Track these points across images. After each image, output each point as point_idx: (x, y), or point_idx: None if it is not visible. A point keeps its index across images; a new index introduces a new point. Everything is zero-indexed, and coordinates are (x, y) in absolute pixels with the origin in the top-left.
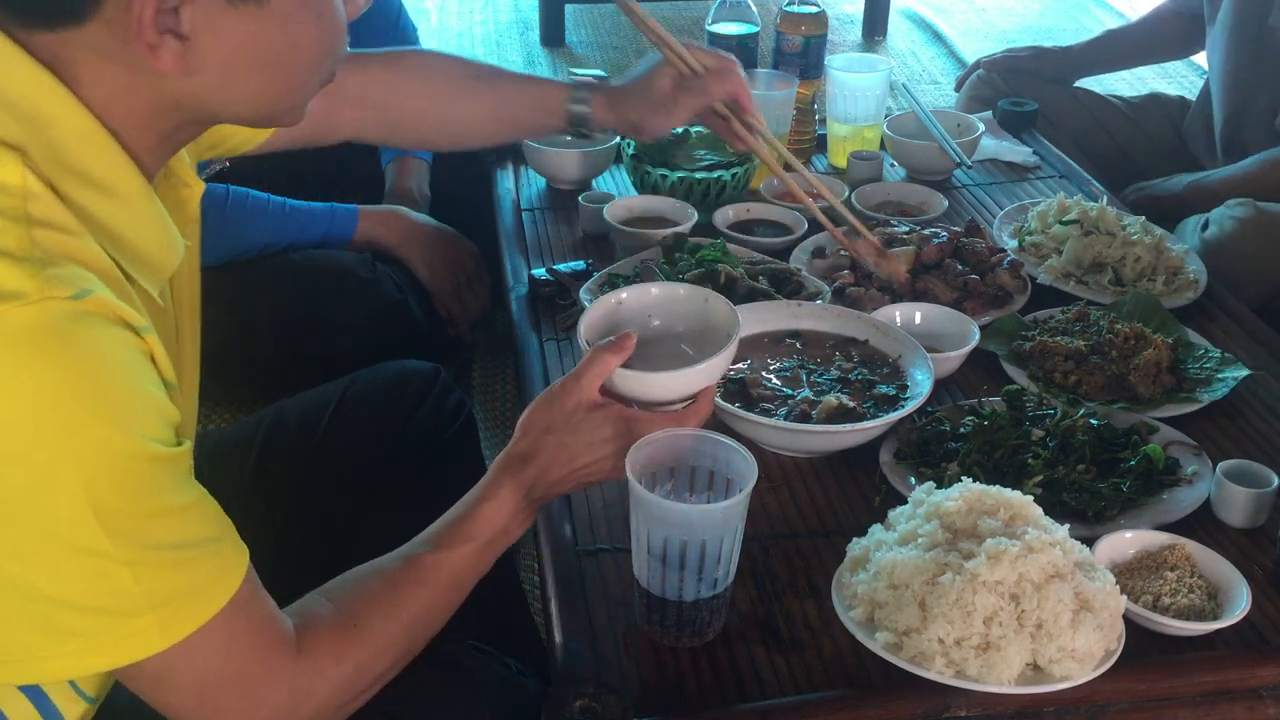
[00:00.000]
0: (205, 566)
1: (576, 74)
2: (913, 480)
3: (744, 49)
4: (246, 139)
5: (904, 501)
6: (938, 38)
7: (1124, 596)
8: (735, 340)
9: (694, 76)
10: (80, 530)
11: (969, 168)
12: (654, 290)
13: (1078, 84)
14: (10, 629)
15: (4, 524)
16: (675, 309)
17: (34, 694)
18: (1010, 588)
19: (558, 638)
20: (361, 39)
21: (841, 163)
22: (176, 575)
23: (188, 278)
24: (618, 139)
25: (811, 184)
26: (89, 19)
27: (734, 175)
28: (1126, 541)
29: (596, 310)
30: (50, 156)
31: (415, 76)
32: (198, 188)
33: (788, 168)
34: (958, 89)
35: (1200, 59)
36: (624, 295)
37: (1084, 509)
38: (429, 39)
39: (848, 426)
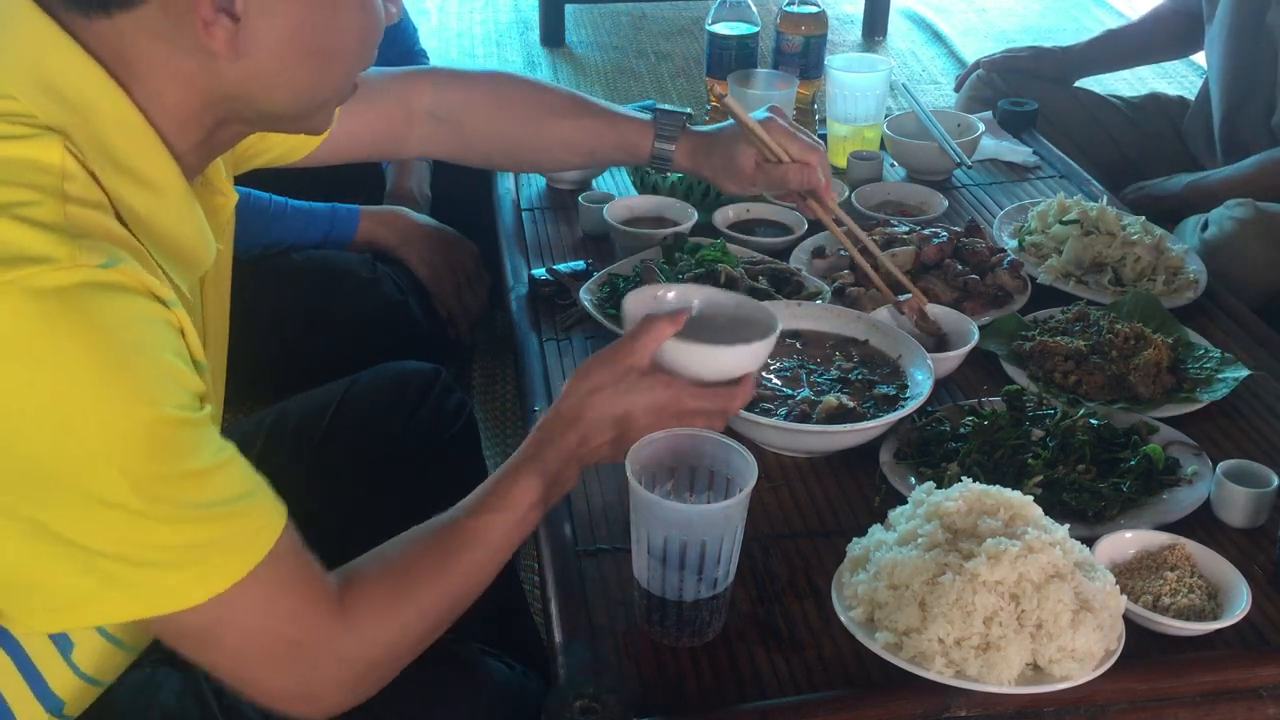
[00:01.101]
0: (242, 521)
1: (660, 106)
2: (913, 480)
3: (744, 49)
4: (289, 151)
5: (904, 501)
6: (938, 38)
7: (1124, 596)
8: (778, 331)
9: (776, 164)
10: (112, 489)
11: (969, 168)
12: (697, 290)
13: (1078, 84)
14: (53, 576)
15: (38, 481)
16: (716, 306)
17: (29, 672)
18: (1010, 588)
19: (558, 638)
20: None
21: (841, 163)
22: (214, 529)
23: (217, 284)
24: None
25: (881, 263)
26: (141, 4)
27: None
28: (1126, 541)
29: (637, 298)
30: (93, 145)
31: (495, 100)
32: (231, 197)
33: (863, 250)
34: (958, 89)
35: (1200, 59)
36: (670, 294)
37: (1084, 509)
38: (429, 39)
39: (848, 426)
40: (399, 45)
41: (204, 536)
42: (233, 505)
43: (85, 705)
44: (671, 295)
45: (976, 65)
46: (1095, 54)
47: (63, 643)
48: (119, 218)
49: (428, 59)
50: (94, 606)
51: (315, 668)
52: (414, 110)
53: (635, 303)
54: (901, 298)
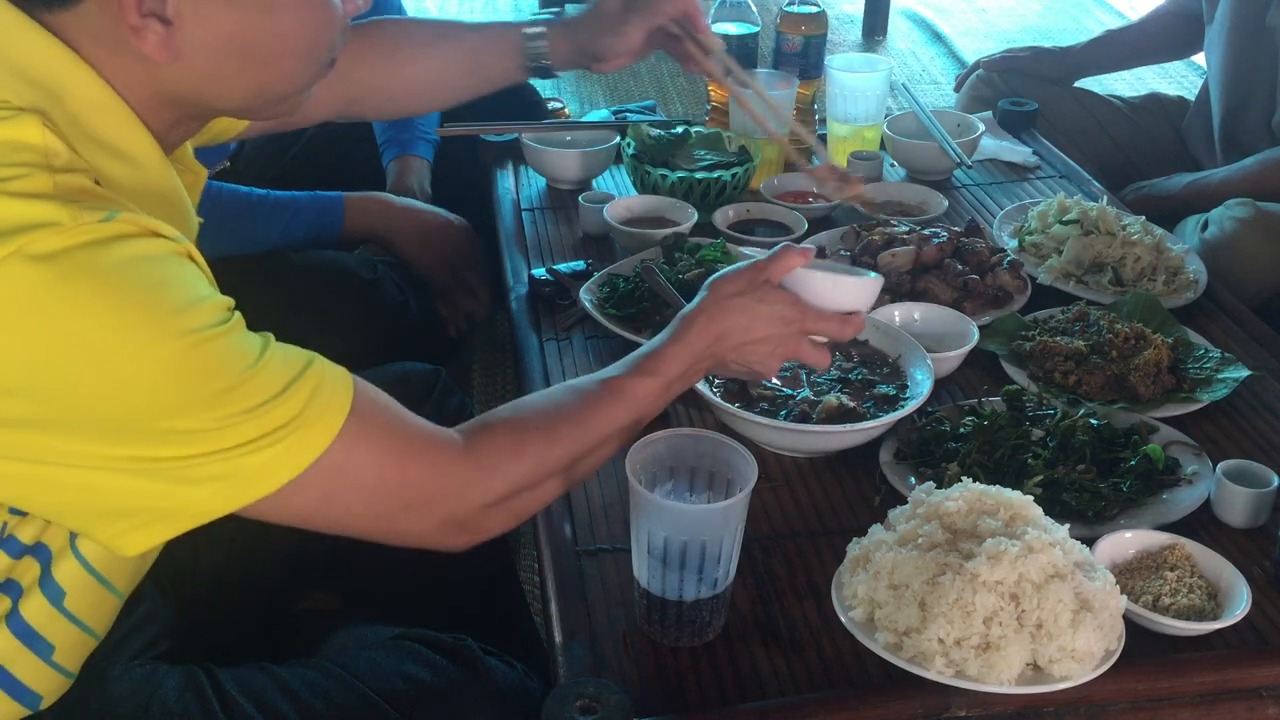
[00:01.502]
0: (310, 392)
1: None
2: (913, 480)
3: (744, 49)
4: (227, 126)
5: (904, 501)
6: (938, 38)
7: (1124, 596)
8: (882, 280)
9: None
10: (180, 417)
11: (969, 168)
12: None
13: (1077, 84)
14: (149, 495)
15: (109, 427)
16: (828, 265)
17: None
18: (1010, 588)
19: (558, 638)
20: None
21: (842, 163)
22: (287, 409)
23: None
24: (618, 138)
25: (771, 106)
26: (74, 3)
27: (734, 175)
28: (1126, 541)
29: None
30: (69, 124)
31: (380, 45)
32: (201, 174)
33: (762, 104)
34: (958, 89)
35: (1200, 59)
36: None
37: (1084, 509)
38: None
39: (848, 426)
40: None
41: (281, 418)
42: (295, 384)
43: (82, 656)
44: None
45: (977, 65)
46: (1095, 55)
47: (53, 590)
48: (105, 188)
49: None
50: (195, 507)
51: (459, 504)
52: None
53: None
54: (814, 164)
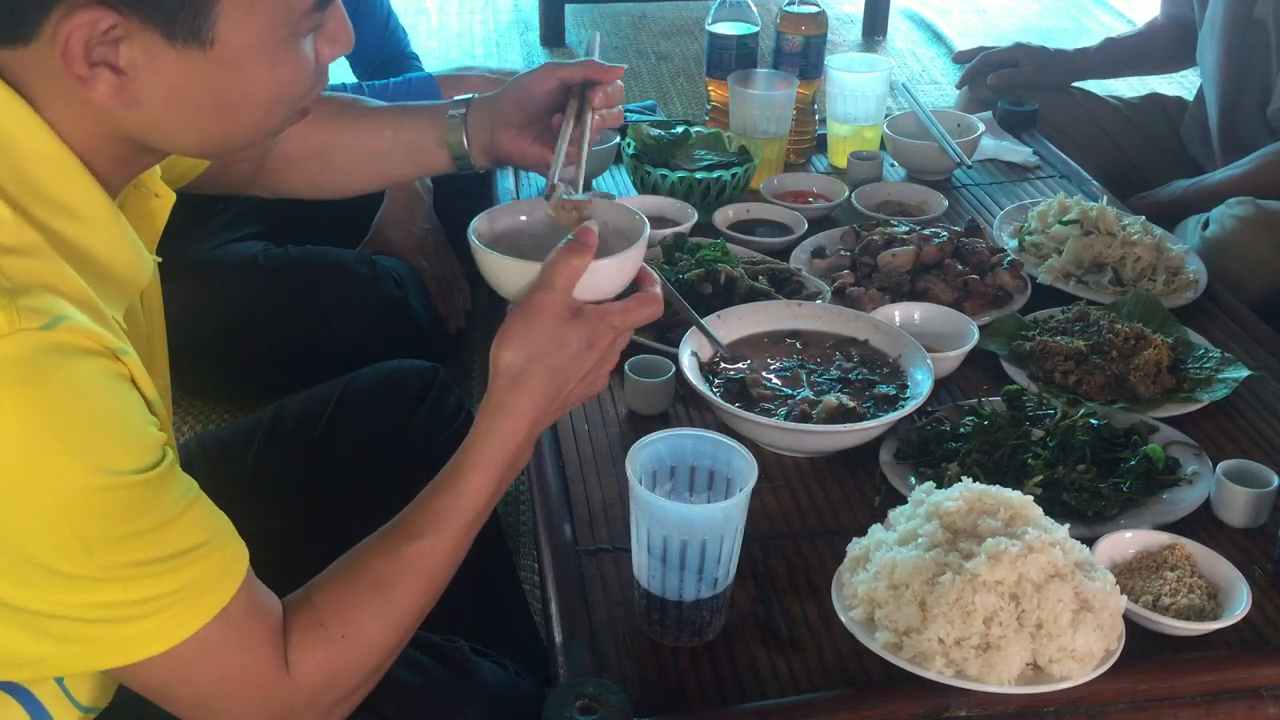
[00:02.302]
0: (201, 570)
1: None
2: (913, 480)
3: (744, 49)
4: (190, 168)
5: (904, 501)
6: (938, 38)
7: (1124, 596)
8: (647, 231)
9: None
10: (65, 557)
11: (969, 168)
12: (528, 204)
13: (1077, 84)
14: (7, 636)
15: (7, 559)
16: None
17: (29, 703)
18: (1010, 588)
19: (558, 638)
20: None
21: (841, 163)
22: (170, 581)
23: (151, 293)
24: (618, 138)
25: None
26: (32, 41)
27: (734, 175)
28: (1126, 541)
29: (494, 224)
30: (16, 180)
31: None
32: (168, 199)
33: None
34: (962, 83)
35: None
36: (522, 217)
37: (1084, 509)
38: (429, 39)
39: (848, 426)
40: (388, 49)
41: (164, 588)
42: (191, 554)
43: None
44: (523, 217)
45: (981, 50)
46: (1097, 61)
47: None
48: (54, 253)
49: (419, 62)
50: (52, 663)
51: (273, 713)
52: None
53: (497, 228)
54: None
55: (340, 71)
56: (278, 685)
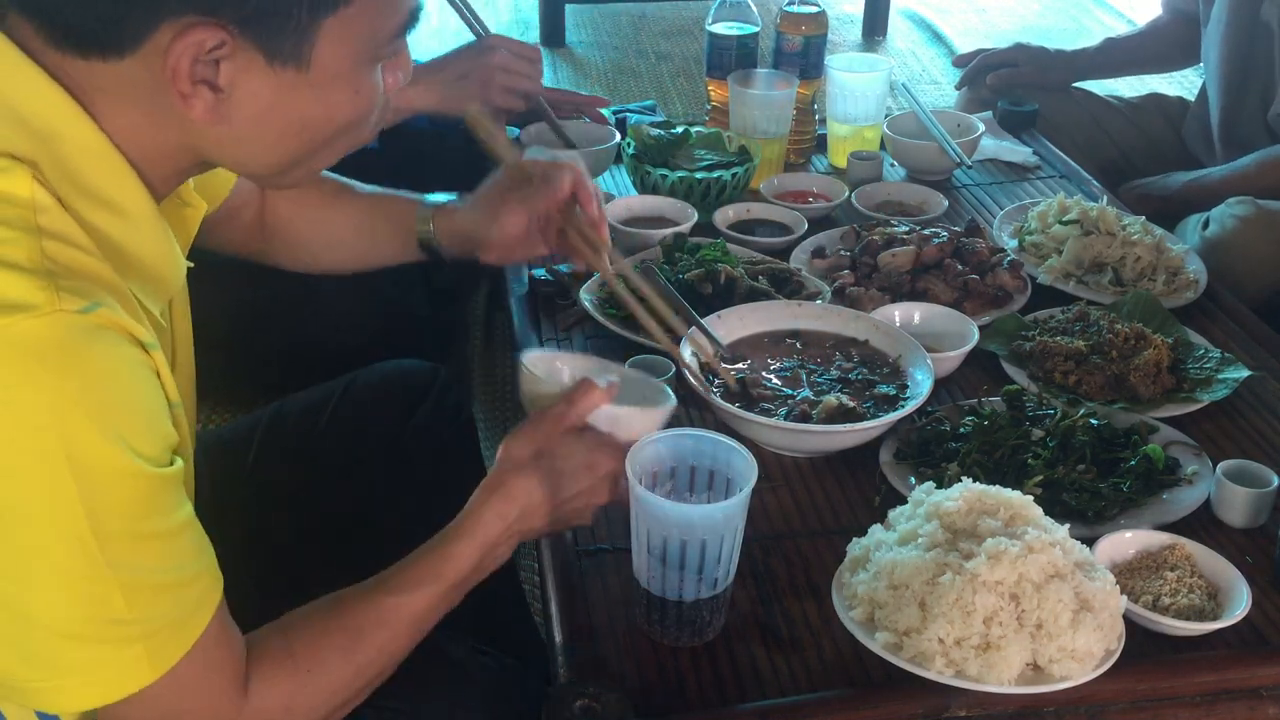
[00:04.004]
0: (190, 595)
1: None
2: (913, 480)
3: (744, 49)
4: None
5: (904, 501)
6: (938, 38)
7: (1124, 596)
8: (671, 404)
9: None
10: (76, 550)
11: (969, 168)
12: (586, 360)
13: (1077, 84)
14: (8, 657)
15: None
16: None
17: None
18: (1010, 588)
19: (558, 638)
20: None
21: (841, 163)
22: (165, 602)
23: (182, 298)
24: (618, 139)
25: (660, 313)
26: (127, 56)
27: (734, 175)
28: (1126, 541)
29: (539, 366)
30: (61, 173)
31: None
32: (200, 208)
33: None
34: (959, 87)
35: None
36: (565, 368)
37: (1084, 509)
38: (430, 39)
39: (848, 426)
40: None
41: (159, 609)
42: (185, 574)
43: None
44: (566, 371)
45: (980, 53)
46: (1098, 61)
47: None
48: (92, 245)
49: None
50: (49, 695)
51: None
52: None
53: (541, 370)
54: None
55: None
56: (234, 714)
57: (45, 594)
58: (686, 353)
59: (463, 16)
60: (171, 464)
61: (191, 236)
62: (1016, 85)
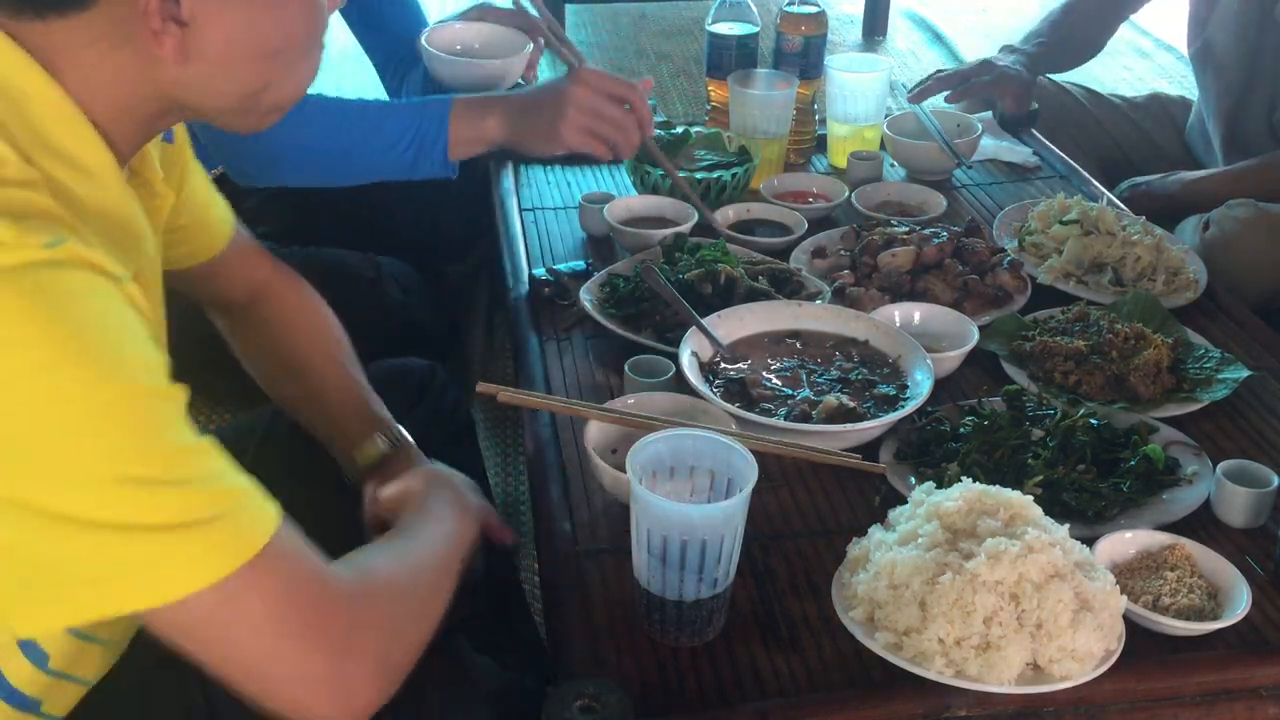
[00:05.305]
0: (242, 501)
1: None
2: (913, 480)
3: (744, 49)
4: (193, 252)
5: (904, 501)
6: (938, 38)
7: (1124, 596)
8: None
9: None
10: (107, 463)
11: (969, 168)
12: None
13: (1078, 84)
14: (50, 565)
15: (30, 467)
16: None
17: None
18: (1010, 588)
19: (558, 638)
20: (372, 7)
21: (841, 163)
22: (219, 502)
23: (152, 287)
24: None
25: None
26: (91, 7)
27: (734, 175)
28: (1126, 541)
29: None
30: (24, 129)
31: (288, 313)
32: (168, 198)
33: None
34: (912, 99)
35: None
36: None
37: (1084, 509)
38: None
39: (848, 426)
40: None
41: (210, 509)
42: (229, 483)
43: (70, 703)
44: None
45: (939, 73)
46: (1055, 57)
47: (27, 644)
48: (55, 196)
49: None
50: (96, 592)
51: (346, 658)
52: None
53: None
54: None
55: (365, 76)
56: (349, 616)
57: (86, 499)
58: (686, 353)
59: (550, 44)
60: (171, 383)
61: (159, 226)
62: (976, 96)
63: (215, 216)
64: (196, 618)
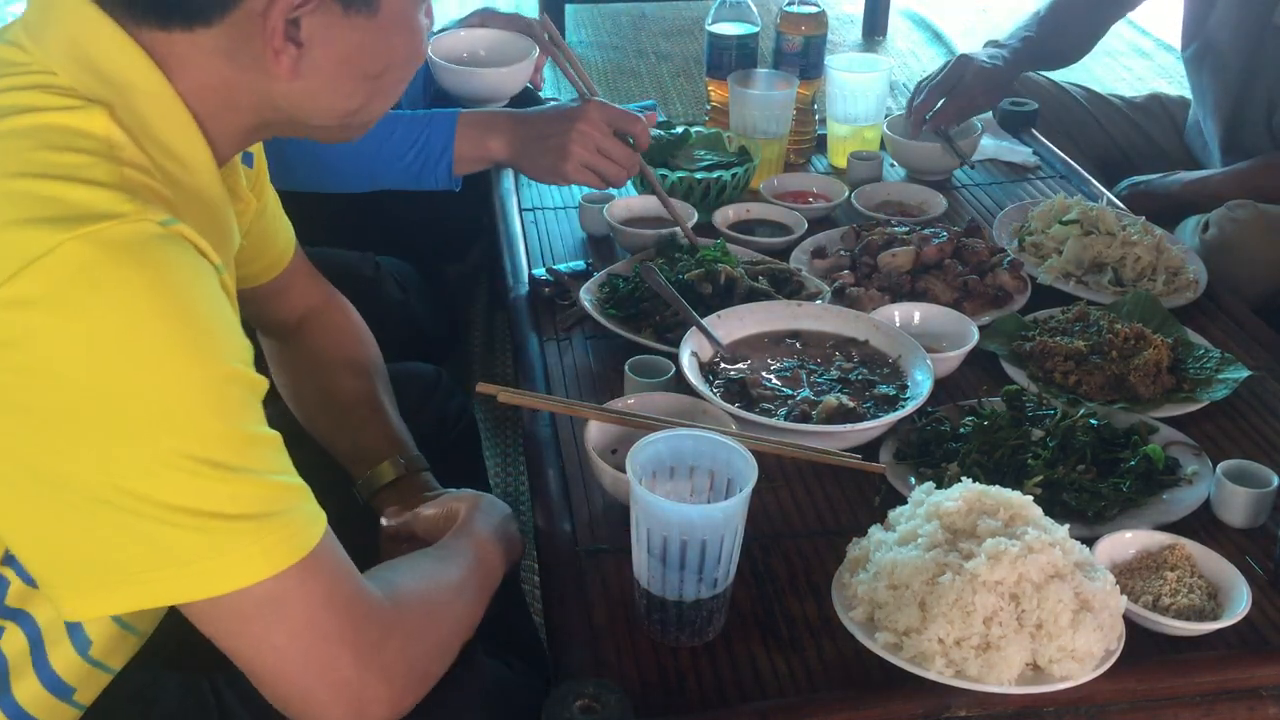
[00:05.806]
0: (298, 498)
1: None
2: (913, 480)
3: (744, 49)
4: (258, 273)
5: (904, 501)
6: (938, 38)
7: (1124, 596)
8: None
9: None
10: (186, 441)
11: (969, 168)
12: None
13: (1078, 83)
14: (113, 547)
15: (105, 434)
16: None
17: (38, 655)
18: (1010, 588)
19: (558, 638)
20: None
21: (841, 163)
22: (279, 498)
23: (233, 285)
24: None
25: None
26: (215, 23)
27: (734, 175)
28: (1126, 541)
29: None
30: (133, 120)
31: (331, 341)
32: (251, 203)
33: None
34: (908, 114)
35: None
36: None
37: (1084, 509)
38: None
39: (848, 426)
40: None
41: (272, 504)
42: (290, 480)
43: (95, 693)
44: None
45: (917, 105)
46: (1039, 52)
47: (74, 629)
48: (165, 182)
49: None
50: (156, 581)
51: (371, 669)
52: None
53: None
54: None
55: None
56: (381, 628)
57: (154, 475)
58: (686, 353)
59: (564, 71)
60: (251, 370)
61: (241, 232)
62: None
63: (283, 236)
64: (239, 611)
